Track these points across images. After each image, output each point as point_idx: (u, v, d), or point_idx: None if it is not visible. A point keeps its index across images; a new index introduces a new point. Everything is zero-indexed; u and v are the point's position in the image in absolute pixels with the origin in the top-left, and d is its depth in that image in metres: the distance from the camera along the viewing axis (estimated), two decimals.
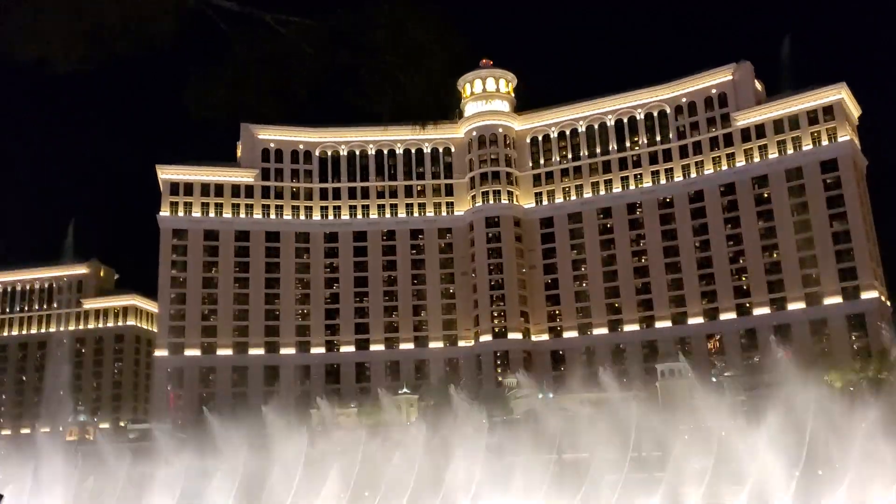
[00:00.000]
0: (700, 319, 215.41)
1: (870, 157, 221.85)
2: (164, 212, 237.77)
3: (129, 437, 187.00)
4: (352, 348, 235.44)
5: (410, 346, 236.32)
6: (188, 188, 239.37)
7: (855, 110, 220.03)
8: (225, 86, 14.11)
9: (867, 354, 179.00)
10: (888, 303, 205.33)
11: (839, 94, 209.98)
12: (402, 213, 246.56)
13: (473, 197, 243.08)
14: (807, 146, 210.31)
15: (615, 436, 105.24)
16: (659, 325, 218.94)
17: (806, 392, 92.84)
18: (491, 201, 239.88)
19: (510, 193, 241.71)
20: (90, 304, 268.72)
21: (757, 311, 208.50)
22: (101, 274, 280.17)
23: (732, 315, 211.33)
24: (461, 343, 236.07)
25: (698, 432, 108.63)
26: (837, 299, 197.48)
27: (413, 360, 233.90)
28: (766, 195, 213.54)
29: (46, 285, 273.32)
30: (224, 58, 14.17)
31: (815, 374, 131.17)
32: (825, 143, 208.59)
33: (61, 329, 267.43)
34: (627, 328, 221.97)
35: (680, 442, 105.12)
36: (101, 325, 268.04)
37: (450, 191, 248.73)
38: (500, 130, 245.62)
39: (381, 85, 14.46)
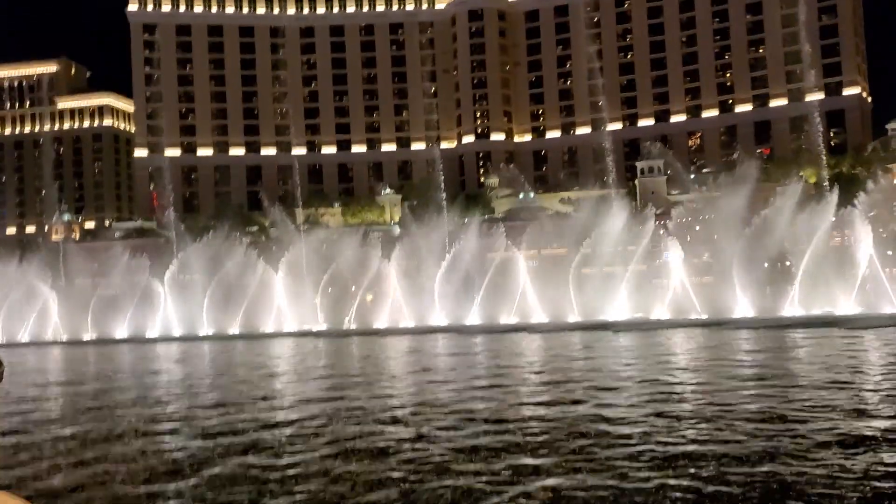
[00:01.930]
0: (682, 117, 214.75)
1: None
2: (133, 6, 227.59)
3: (115, 235, 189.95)
4: (333, 149, 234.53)
5: (393, 147, 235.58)
6: None
7: None
8: None
9: (844, 151, 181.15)
10: (869, 99, 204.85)
11: None
12: (380, 7, 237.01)
13: None
14: None
15: (591, 232, 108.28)
16: (642, 123, 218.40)
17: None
18: None
19: None
20: (64, 104, 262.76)
21: (739, 109, 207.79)
22: (73, 72, 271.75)
23: (715, 112, 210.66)
24: (444, 144, 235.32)
25: (673, 227, 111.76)
26: (819, 95, 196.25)
27: (396, 160, 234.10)
28: None
29: (16, 83, 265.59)
30: None
31: (791, 170, 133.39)
32: None
33: (36, 129, 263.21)
34: (610, 127, 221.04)
35: (655, 236, 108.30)
36: (77, 126, 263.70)
37: None
38: None
39: None
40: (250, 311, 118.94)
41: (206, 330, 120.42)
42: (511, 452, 23.79)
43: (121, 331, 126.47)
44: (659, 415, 29.55)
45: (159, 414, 36.62)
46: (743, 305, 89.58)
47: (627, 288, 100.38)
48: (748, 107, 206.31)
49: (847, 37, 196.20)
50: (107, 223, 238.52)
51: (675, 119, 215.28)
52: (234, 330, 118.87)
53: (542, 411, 32.05)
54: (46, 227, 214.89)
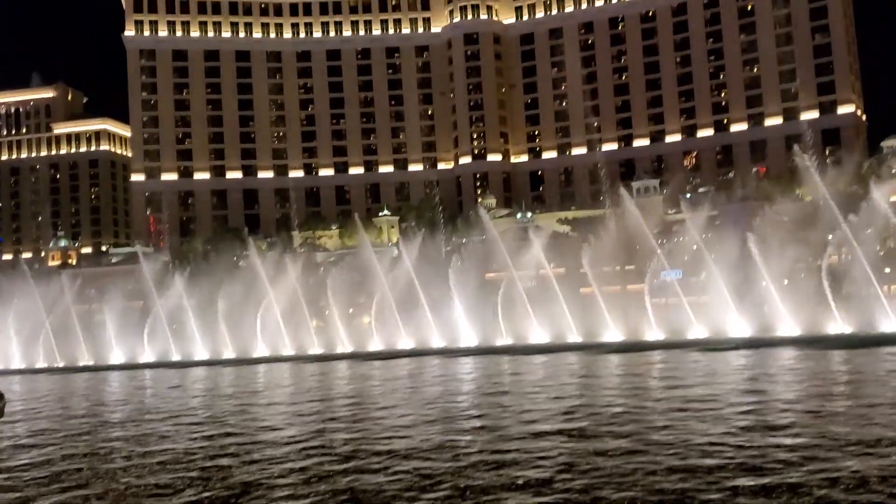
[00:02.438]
0: (678, 137, 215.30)
1: None
2: (130, 31, 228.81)
3: (112, 261, 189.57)
4: (331, 171, 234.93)
5: (390, 168, 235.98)
6: (152, 5, 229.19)
7: None
8: None
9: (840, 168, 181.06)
10: (864, 117, 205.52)
11: None
12: (376, 31, 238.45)
13: (451, 12, 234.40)
14: None
15: (589, 252, 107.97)
16: (637, 143, 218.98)
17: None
18: (469, 16, 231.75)
19: (489, 8, 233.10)
20: (61, 129, 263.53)
21: (734, 128, 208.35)
22: (70, 98, 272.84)
23: (710, 132, 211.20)
24: (441, 165, 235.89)
25: (670, 246, 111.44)
26: (814, 114, 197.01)
27: (393, 182, 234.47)
28: (749, 7, 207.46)
29: (13, 110, 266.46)
30: None
31: (787, 189, 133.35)
32: None
33: (33, 155, 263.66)
34: (606, 147, 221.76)
35: (653, 256, 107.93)
36: (73, 151, 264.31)
37: (426, 5, 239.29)
38: None
39: None
40: (246, 335, 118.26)
41: (197, 355, 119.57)
42: None
43: (116, 356, 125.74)
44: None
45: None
46: (740, 325, 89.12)
47: (625, 308, 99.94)
48: (743, 126, 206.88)
49: (841, 56, 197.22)
50: (104, 248, 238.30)
51: (670, 139, 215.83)
52: (229, 354, 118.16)
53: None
54: (43, 253, 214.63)
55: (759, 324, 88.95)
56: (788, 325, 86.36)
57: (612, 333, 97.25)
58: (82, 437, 39.64)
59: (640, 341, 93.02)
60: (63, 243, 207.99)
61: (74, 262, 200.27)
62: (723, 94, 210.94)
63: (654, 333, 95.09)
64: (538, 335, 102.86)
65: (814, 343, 77.12)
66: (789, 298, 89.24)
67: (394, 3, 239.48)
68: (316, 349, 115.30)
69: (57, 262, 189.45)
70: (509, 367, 73.64)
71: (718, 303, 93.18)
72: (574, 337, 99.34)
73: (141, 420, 46.32)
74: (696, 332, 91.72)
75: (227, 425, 40.88)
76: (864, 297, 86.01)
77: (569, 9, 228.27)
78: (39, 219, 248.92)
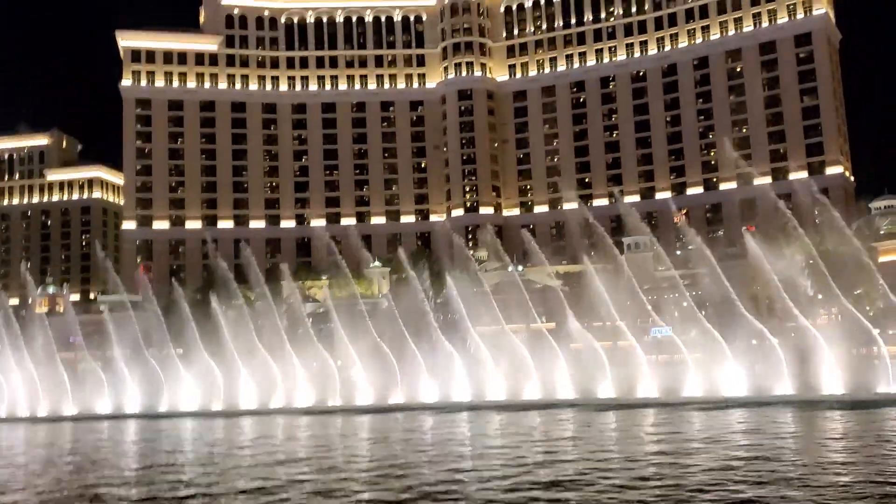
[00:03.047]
0: (668, 194, 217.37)
1: (844, 31, 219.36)
2: (127, 81, 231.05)
3: (100, 308, 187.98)
4: (322, 222, 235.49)
5: (382, 220, 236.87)
6: (150, 56, 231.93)
7: None
8: None
9: (829, 228, 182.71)
10: (852, 178, 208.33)
11: None
12: (372, 85, 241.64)
13: (446, 69, 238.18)
14: (782, 19, 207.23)
15: (580, 306, 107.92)
16: (628, 199, 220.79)
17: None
18: (464, 73, 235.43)
19: (483, 65, 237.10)
20: (54, 176, 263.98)
21: (724, 186, 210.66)
22: (64, 145, 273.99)
23: (700, 190, 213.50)
24: (433, 217, 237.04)
25: (661, 303, 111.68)
26: (803, 174, 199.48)
27: (385, 233, 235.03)
28: (738, 69, 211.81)
29: (7, 156, 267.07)
30: None
31: (776, 247, 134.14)
32: (800, 16, 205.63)
33: (25, 201, 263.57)
34: (597, 203, 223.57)
35: (643, 312, 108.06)
36: (66, 198, 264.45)
37: (421, 61, 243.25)
38: None
39: None
40: (232, 386, 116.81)
41: (183, 406, 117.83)
42: None
43: (103, 405, 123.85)
44: None
45: None
46: (737, 383, 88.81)
47: (616, 364, 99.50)
48: (733, 184, 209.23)
49: (829, 118, 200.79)
50: (92, 296, 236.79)
51: (660, 195, 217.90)
52: (218, 406, 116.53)
53: None
54: (30, 300, 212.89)
55: (752, 382, 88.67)
56: (784, 384, 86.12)
57: (605, 390, 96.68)
58: None
59: (632, 398, 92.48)
60: (51, 290, 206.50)
61: (62, 310, 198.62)
62: (712, 153, 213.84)
63: (646, 390, 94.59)
64: (531, 390, 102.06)
65: (807, 404, 76.87)
66: (783, 357, 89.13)
67: (390, 59, 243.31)
68: (306, 401, 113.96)
69: (44, 309, 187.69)
70: (500, 425, 72.89)
71: (711, 360, 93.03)
72: (566, 393, 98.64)
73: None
74: (689, 390, 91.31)
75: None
76: (858, 358, 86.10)
77: (561, 67, 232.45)
78: (28, 265, 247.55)
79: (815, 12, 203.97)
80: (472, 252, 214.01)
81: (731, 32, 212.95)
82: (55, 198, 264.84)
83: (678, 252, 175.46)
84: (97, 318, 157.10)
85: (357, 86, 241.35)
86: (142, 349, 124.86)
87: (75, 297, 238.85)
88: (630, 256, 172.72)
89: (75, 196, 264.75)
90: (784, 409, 73.71)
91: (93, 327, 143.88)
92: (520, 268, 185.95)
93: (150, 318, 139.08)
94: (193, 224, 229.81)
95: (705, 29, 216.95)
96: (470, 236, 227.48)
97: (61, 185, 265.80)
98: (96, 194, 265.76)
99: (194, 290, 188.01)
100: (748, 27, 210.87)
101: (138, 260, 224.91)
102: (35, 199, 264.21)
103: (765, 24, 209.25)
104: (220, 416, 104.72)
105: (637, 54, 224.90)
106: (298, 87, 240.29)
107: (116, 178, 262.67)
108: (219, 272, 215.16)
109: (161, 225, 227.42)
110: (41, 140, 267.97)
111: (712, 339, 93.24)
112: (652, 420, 70.18)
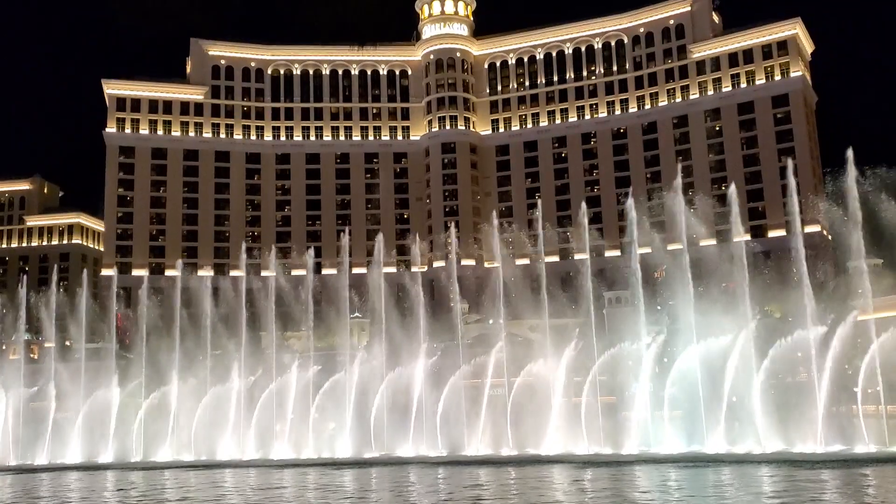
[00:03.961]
0: (648, 249, 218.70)
1: (820, 93, 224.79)
2: (111, 128, 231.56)
3: (75, 356, 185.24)
4: (303, 272, 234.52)
5: (363, 270, 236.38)
6: (135, 104, 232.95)
7: (808, 46, 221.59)
8: None
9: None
10: (829, 236, 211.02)
11: (793, 29, 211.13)
12: (356, 136, 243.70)
13: (430, 122, 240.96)
14: (760, 80, 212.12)
15: (561, 361, 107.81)
16: (609, 253, 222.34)
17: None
18: (447, 127, 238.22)
19: (467, 120, 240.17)
20: (33, 222, 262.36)
21: (703, 243, 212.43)
22: (45, 191, 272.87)
23: (679, 246, 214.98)
24: (414, 268, 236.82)
25: (640, 357, 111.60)
26: (781, 232, 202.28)
27: (366, 284, 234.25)
28: (717, 128, 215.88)
29: None
30: None
31: (756, 305, 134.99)
32: (778, 77, 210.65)
33: (3, 246, 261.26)
34: (578, 256, 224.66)
35: (623, 366, 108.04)
36: (45, 244, 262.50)
37: (406, 115, 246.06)
38: (458, 55, 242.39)
39: None
40: (212, 436, 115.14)
41: (158, 457, 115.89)
42: None
43: (73, 455, 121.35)
44: None
45: None
46: (712, 440, 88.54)
47: (598, 420, 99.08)
48: (712, 241, 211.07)
49: (806, 177, 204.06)
50: (67, 343, 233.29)
51: (641, 251, 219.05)
52: (189, 457, 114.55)
53: None
54: (3, 346, 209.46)
55: (732, 439, 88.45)
56: (763, 442, 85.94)
57: (587, 446, 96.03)
58: None
59: (614, 454, 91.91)
60: (26, 337, 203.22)
61: (36, 357, 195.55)
62: (691, 210, 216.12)
63: (629, 447, 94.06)
64: (513, 446, 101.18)
65: (787, 462, 76.63)
66: (761, 414, 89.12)
67: (375, 111, 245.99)
68: (282, 454, 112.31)
69: (18, 356, 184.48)
70: (488, 481, 71.99)
71: (690, 417, 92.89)
72: (548, 449, 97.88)
73: None
74: (671, 446, 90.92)
75: None
76: (837, 416, 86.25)
77: (543, 123, 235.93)
78: (4, 310, 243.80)
79: (791, 75, 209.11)
80: (452, 304, 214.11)
81: (710, 92, 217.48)
82: (34, 243, 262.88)
83: (658, 308, 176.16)
84: (73, 365, 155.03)
85: (342, 137, 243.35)
86: (117, 397, 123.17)
87: (50, 343, 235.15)
88: (611, 310, 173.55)
89: (55, 242, 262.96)
90: (761, 468, 73.38)
91: (68, 374, 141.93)
92: (500, 321, 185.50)
93: (126, 366, 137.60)
94: (173, 272, 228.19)
95: (685, 88, 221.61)
96: (451, 288, 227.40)
97: (41, 230, 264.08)
98: (76, 240, 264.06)
99: (172, 339, 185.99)
100: (727, 88, 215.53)
101: (116, 308, 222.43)
102: (14, 244, 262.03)
103: (743, 84, 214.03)
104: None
105: (618, 111, 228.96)
106: (283, 138, 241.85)
107: (97, 225, 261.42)
108: (199, 322, 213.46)
109: (140, 272, 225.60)
110: (22, 185, 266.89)
111: (692, 396, 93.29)
112: (634, 477, 69.57)
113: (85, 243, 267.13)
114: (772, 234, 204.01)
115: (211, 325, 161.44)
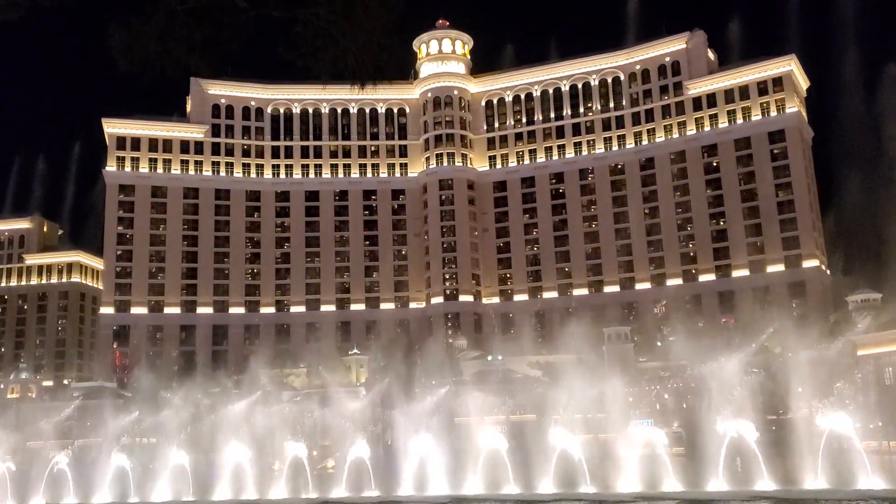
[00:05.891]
0: (647, 285, 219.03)
1: (816, 128, 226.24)
2: (111, 167, 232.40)
3: (73, 395, 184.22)
4: (302, 308, 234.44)
5: (361, 306, 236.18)
6: (135, 143, 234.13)
7: (803, 82, 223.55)
8: (154, 38, 13.42)
9: (806, 320, 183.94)
10: (828, 271, 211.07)
11: (789, 65, 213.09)
12: (355, 174, 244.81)
13: (427, 159, 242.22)
14: (756, 116, 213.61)
15: (561, 398, 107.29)
16: (607, 289, 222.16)
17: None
18: (445, 163, 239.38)
19: (464, 156, 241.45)
20: (33, 260, 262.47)
21: (702, 278, 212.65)
22: (45, 229, 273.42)
23: (679, 281, 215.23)
24: (412, 304, 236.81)
25: (641, 395, 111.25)
26: (780, 267, 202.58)
27: (364, 320, 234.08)
28: (714, 164, 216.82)
29: None
30: (152, 9, 13.54)
31: (756, 340, 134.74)
32: (773, 113, 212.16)
33: (2, 284, 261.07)
34: (577, 292, 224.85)
35: (623, 404, 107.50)
36: (44, 282, 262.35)
37: (404, 152, 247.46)
38: (456, 93, 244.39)
39: (316, 40, 13.94)
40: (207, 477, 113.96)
41: (155, 496, 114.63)
42: None
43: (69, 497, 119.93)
44: None
45: None
46: (716, 479, 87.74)
47: (598, 458, 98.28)
48: (711, 276, 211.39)
49: (803, 212, 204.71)
50: (65, 382, 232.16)
51: (639, 286, 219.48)
52: (188, 497, 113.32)
53: None
54: (1, 385, 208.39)
55: (735, 477, 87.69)
56: (765, 480, 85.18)
57: (587, 485, 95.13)
58: None
59: (615, 493, 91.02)
60: (24, 376, 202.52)
61: (34, 395, 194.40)
62: (691, 246, 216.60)
63: (629, 485, 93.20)
64: (513, 484, 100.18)
65: (786, 500, 75.94)
66: (763, 451, 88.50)
67: (373, 149, 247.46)
68: (280, 493, 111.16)
69: (16, 395, 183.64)
70: None
71: (693, 454, 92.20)
72: (547, 487, 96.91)
73: None
74: (672, 484, 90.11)
75: None
76: (841, 452, 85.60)
77: (540, 159, 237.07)
78: (2, 349, 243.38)
79: (787, 110, 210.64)
80: (451, 340, 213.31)
81: (707, 128, 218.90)
82: (33, 281, 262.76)
83: (658, 343, 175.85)
84: (69, 404, 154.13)
85: (340, 174, 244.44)
86: (113, 439, 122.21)
87: (48, 382, 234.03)
88: (610, 347, 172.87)
89: (54, 280, 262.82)
90: None
91: (64, 414, 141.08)
92: (499, 357, 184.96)
93: (123, 406, 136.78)
94: (172, 310, 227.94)
95: (681, 124, 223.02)
96: (450, 324, 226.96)
97: (40, 269, 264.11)
98: (75, 278, 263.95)
99: (171, 378, 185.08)
100: (723, 123, 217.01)
101: (114, 346, 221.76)
102: (13, 283, 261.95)
103: (739, 120, 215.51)
104: None
105: (615, 148, 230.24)
106: (283, 176, 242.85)
107: (96, 263, 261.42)
108: (196, 359, 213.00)
109: (139, 310, 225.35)
110: (22, 224, 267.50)
111: (693, 432, 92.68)
112: None
113: (84, 281, 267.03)
114: (770, 268, 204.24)
115: (210, 361, 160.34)
